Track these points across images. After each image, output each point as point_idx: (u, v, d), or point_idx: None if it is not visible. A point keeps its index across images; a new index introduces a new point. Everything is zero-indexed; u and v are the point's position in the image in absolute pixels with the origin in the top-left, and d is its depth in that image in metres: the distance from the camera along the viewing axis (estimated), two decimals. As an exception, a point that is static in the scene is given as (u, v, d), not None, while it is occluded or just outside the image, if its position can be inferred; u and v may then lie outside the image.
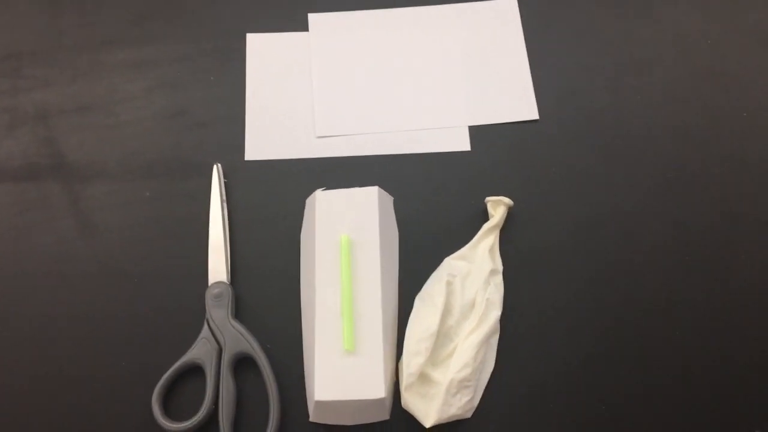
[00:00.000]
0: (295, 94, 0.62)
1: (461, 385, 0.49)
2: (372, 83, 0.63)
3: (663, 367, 0.52)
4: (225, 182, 0.58)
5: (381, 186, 0.56)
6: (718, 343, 0.53)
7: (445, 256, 0.55)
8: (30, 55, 0.64)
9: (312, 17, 0.66)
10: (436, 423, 0.48)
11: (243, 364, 0.51)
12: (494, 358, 0.52)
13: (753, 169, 0.59)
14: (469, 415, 0.50)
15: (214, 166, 0.58)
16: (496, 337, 0.52)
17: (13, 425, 0.50)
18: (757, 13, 0.66)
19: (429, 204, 0.57)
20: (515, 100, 0.62)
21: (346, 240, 0.52)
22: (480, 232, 0.55)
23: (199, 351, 0.51)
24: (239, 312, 0.53)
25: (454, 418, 0.49)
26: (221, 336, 0.51)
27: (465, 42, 0.65)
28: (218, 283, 0.53)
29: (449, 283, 0.52)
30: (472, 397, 0.50)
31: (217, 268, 0.54)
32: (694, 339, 0.53)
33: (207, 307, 0.52)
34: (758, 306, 0.54)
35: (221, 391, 0.49)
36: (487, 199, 0.56)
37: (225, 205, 0.57)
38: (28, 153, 0.60)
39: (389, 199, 0.57)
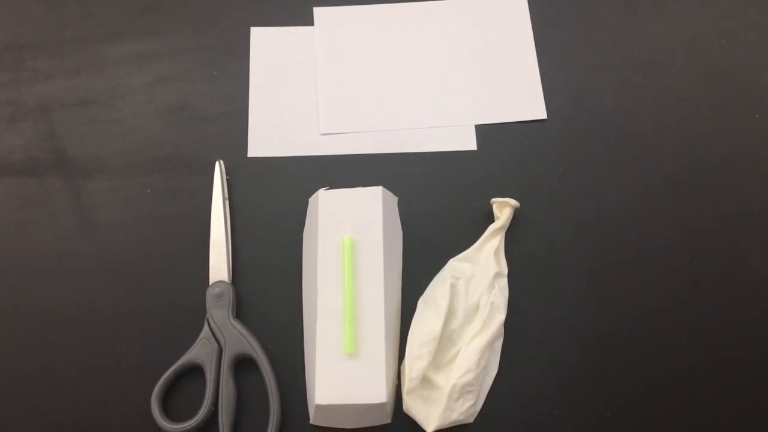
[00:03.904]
0: (299, 90, 0.61)
1: (464, 390, 0.48)
2: (378, 80, 0.62)
3: (670, 373, 0.51)
4: (227, 179, 0.57)
5: (385, 185, 0.55)
6: (726, 348, 0.52)
7: (450, 258, 0.54)
8: (32, 47, 0.63)
9: (317, 11, 0.65)
10: (438, 428, 0.48)
11: (243, 365, 0.51)
12: (498, 363, 0.51)
13: (764, 172, 0.58)
14: (471, 420, 0.49)
15: (217, 163, 0.57)
16: (500, 341, 0.52)
17: (10, 423, 0.50)
18: (771, 12, 0.65)
19: (433, 204, 0.57)
20: (523, 99, 0.61)
21: (348, 241, 0.51)
22: (485, 234, 0.54)
23: (199, 351, 0.50)
24: (240, 312, 0.53)
25: (456, 423, 0.49)
26: (222, 336, 0.51)
27: (473, 38, 0.64)
28: (219, 283, 0.53)
29: (453, 286, 0.52)
30: (474, 402, 0.49)
31: (219, 267, 0.53)
32: (702, 344, 0.52)
33: (207, 307, 0.52)
34: (767, 310, 0.53)
35: (221, 392, 0.49)
36: (493, 200, 0.55)
37: (227, 202, 0.56)
38: (30, 147, 0.59)
39: (393, 200, 0.56)
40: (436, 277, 0.53)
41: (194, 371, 0.51)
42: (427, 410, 0.49)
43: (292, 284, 0.54)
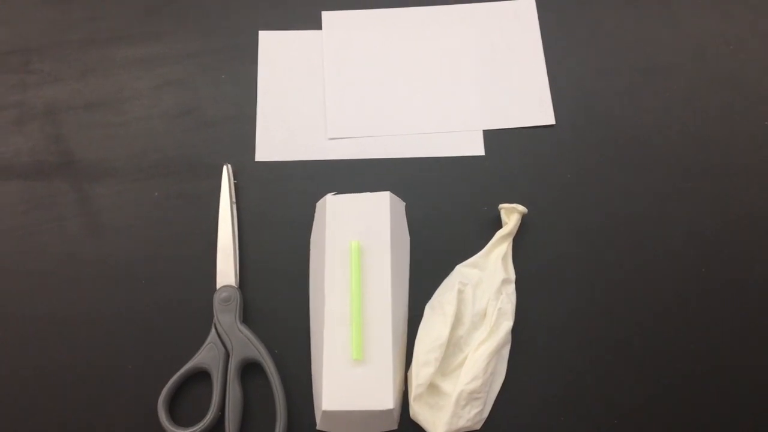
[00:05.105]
0: (307, 94, 0.61)
1: (471, 396, 0.48)
2: (385, 84, 0.62)
3: (678, 379, 0.51)
4: (235, 183, 0.57)
5: (392, 190, 0.55)
6: (735, 355, 0.52)
7: (457, 264, 0.54)
8: (38, 50, 0.63)
9: (326, 15, 0.65)
10: (445, 435, 0.48)
11: (250, 370, 0.51)
12: (505, 370, 0.51)
13: (773, 179, 0.58)
14: (478, 427, 0.49)
15: (224, 167, 0.57)
16: (508, 348, 0.51)
17: (15, 426, 0.50)
18: (780, 19, 0.65)
19: (441, 210, 0.57)
20: (531, 105, 0.60)
21: (356, 246, 0.51)
22: (493, 240, 0.54)
23: (206, 356, 0.50)
24: (247, 317, 0.53)
25: (464, 430, 0.48)
26: (228, 341, 0.51)
27: (481, 43, 0.63)
28: (226, 287, 0.52)
29: (460, 292, 0.52)
30: (481, 409, 0.49)
31: (226, 272, 0.53)
32: (711, 351, 0.52)
33: (215, 311, 0.52)
34: (776, 320, 0.53)
35: (228, 397, 0.49)
36: (501, 206, 0.55)
37: (234, 206, 0.56)
38: (37, 150, 0.59)
39: (401, 205, 0.56)
40: (443, 282, 0.53)
41: (201, 376, 0.51)
42: (434, 417, 0.48)
43: (300, 289, 0.54)
